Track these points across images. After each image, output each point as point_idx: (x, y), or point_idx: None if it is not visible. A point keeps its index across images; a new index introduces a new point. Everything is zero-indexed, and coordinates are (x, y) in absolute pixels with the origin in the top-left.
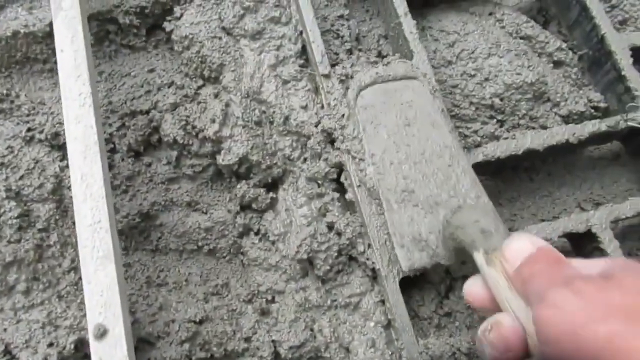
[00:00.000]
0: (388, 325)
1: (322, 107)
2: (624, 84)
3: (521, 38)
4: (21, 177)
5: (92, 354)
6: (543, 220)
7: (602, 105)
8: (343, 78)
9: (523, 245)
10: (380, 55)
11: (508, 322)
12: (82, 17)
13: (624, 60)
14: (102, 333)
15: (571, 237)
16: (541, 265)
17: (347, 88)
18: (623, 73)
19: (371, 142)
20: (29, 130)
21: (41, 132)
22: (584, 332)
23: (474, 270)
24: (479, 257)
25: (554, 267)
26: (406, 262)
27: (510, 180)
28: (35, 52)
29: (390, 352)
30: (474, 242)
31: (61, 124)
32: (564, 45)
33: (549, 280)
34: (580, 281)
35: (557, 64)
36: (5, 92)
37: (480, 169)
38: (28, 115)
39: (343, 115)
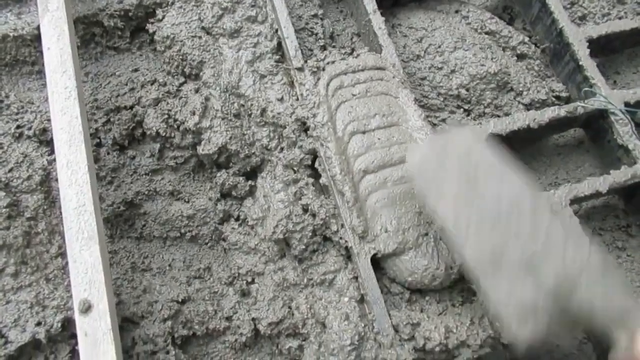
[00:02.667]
0: (361, 300)
1: (297, 99)
2: (582, 73)
3: (486, 33)
4: (10, 170)
5: (77, 328)
6: None
7: (564, 94)
8: (315, 70)
9: None
10: (353, 51)
11: None
12: (67, 18)
13: (581, 51)
14: (86, 308)
15: None
16: None
17: (319, 79)
18: (580, 63)
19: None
20: (18, 127)
21: (29, 128)
22: None
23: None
24: (623, 340)
25: None
26: (523, 336)
27: None
28: (24, 54)
29: (363, 325)
30: (613, 321)
31: (49, 121)
32: (526, 39)
33: None
34: None
35: (521, 56)
36: None
37: None
38: (17, 113)
39: (314, 104)
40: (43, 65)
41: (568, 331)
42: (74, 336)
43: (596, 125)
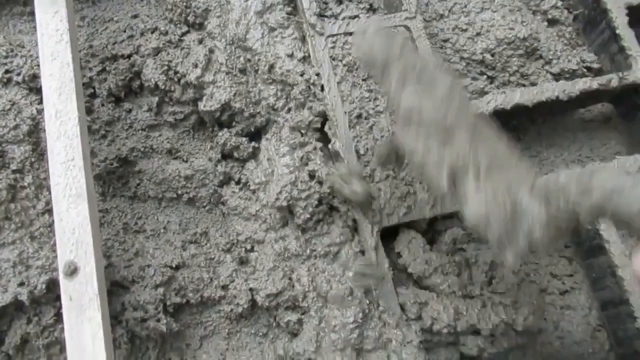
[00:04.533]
0: None
1: (308, 55)
2: (618, 43)
3: None
4: None
5: (61, 292)
6: None
7: (595, 66)
8: (332, 23)
9: None
10: (371, 7)
11: None
12: None
13: (619, 19)
14: (72, 271)
15: None
16: None
17: (332, 36)
18: (617, 32)
19: None
20: (6, 72)
21: (19, 74)
22: None
23: None
24: None
25: None
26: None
27: None
28: None
29: (367, 302)
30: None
31: (40, 67)
32: (559, 4)
33: None
34: None
35: (552, 22)
36: None
37: None
38: (6, 57)
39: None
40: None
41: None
42: (59, 298)
43: (628, 101)
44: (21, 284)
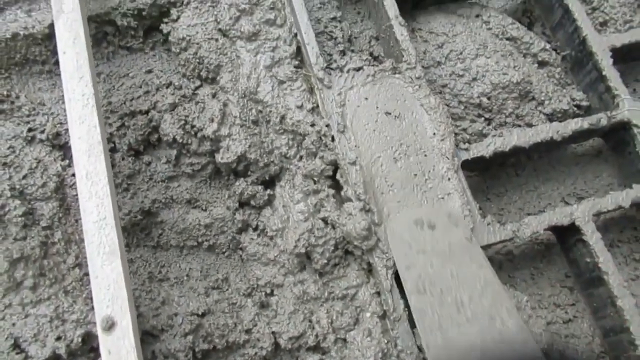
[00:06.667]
0: (384, 316)
1: (317, 106)
2: (605, 83)
3: (507, 39)
4: (24, 177)
5: (100, 347)
6: (529, 214)
7: (584, 103)
8: (338, 76)
9: None
10: (372, 55)
11: None
12: (82, 19)
13: (605, 61)
14: (110, 325)
15: (556, 229)
16: None
17: (340, 89)
18: (604, 73)
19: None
20: (30, 130)
21: (42, 132)
22: None
23: None
24: None
25: None
26: None
27: (498, 176)
28: (34, 53)
29: (386, 341)
30: None
31: (62, 124)
32: (547, 46)
33: None
34: None
35: (542, 64)
36: (5, 93)
37: (470, 166)
38: (28, 115)
39: (335, 116)
40: (53, 64)
41: None
42: (93, 350)
43: (617, 136)
44: (58, 338)
